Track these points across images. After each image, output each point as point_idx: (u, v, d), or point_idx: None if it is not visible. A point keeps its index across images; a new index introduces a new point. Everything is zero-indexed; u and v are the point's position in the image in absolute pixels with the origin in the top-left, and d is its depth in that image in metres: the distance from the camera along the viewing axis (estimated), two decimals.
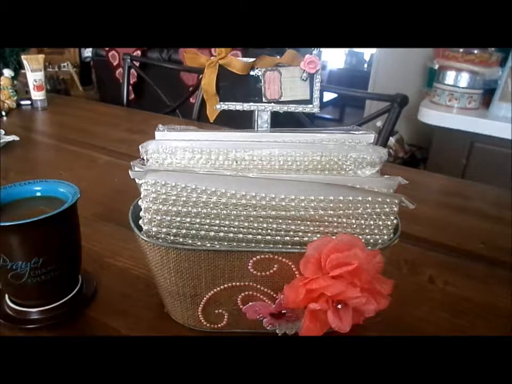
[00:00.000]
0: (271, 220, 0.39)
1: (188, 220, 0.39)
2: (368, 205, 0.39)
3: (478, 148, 1.51)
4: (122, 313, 0.46)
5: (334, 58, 4.40)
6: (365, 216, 0.39)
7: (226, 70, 0.48)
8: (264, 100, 0.49)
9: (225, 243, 0.40)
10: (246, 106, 0.49)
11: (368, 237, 0.40)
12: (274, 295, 0.40)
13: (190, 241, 0.40)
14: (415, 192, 0.81)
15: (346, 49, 4.32)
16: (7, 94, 1.28)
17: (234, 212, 0.39)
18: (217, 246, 0.39)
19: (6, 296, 0.46)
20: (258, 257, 0.38)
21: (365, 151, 0.43)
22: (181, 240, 0.40)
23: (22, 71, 1.37)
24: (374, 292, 0.36)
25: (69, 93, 3.05)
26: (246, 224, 0.39)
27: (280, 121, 0.50)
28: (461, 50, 1.54)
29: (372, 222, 0.40)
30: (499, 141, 1.44)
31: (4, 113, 1.24)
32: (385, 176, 0.41)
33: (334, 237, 0.37)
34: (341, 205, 0.39)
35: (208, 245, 0.40)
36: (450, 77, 1.60)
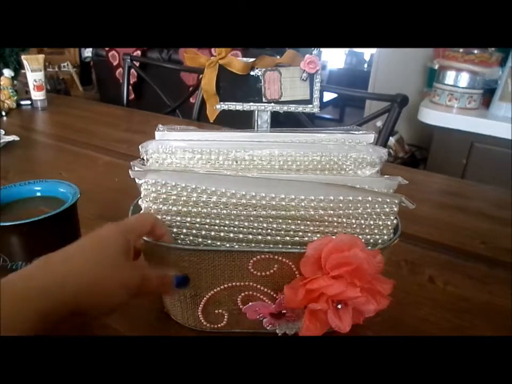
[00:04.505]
0: (271, 220, 0.39)
1: (188, 219, 0.39)
2: (368, 205, 0.39)
3: (478, 148, 1.51)
4: (122, 313, 0.45)
5: (334, 58, 4.41)
6: (365, 216, 0.39)
7: (226, 70, 0.48)
8: (264, 100, 0.49)
9: (226, 243, 0.40)
10: (246, 106, 0.49)
11: (368, 237, 0.40)
12: (274, 295, 0.40)
13: (190, 241, 0.40)
14: (415, 192, 0.81)
15: (346, 49, 4.32)
16: (7, 94, 1.28)
17: (235, 212, 0.39)
18: (218, 245, 0.39)
19: None
20: (258, 257, 0.38)
21: (365, 151, 0.43)
22: (182, 239, 0.40)
23: (22, 71, 1.37)
24: (374, 291, 0.36)
25: (69, 93, 3.05)
26: (246, 224, 0.39)
27: (280, 121, 0.50)
28: (461, 50, 1.54)
29: (371, 222, 0.40)
30: (499, 141, 1.44)
31: (4, 113, 1.24)
32: (385, 176, 0.41)
33: (334, 237, 0.37)
34: (341, 205, 0.39)
35: (209, 242, 0.40)
36: (450, 77, 1.59)
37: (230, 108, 0.50)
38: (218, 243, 0.40)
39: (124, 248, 0.33)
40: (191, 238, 0.40)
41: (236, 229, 0.39)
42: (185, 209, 0.39)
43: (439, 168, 1.55)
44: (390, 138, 1.75)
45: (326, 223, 0.39)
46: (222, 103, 0.49)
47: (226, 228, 0.39)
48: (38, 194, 0.48)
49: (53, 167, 0.90)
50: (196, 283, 0.40)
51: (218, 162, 0.43)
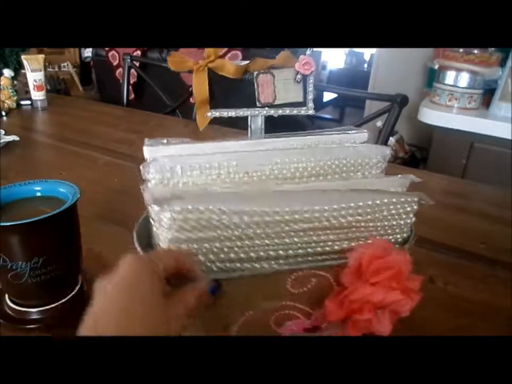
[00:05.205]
0: (301, 234, 0.37)
1: (217, 244, 0.37)
2: (392, 206, 0.39)
3: (478, 148, 1.51)
4: None
5: (334, 58, 4.40)
6: (389, 217, 0.39)
7: (217, 74, 0.46)
8: (258, 104, 0.47)
9: (255, 263, 0.38)
10: (238, 112, 0.47)
11: (390, 237, 0.40)
12: (310, 311, 0.38)
13: (217, 268, 0.38)
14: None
15: (346, 49, 4.32)
16: (7, 94, 1.28)
17: (268, 230, 0.37)
18: (247, 267, 0.38)
19: (6, 296, 0.46)
20: (296, 274, 0.37)
21: (370, 151, 0.43)
22: (207, 267, 0.38)
23: (22, 71, 1.37)
24: (407, 290, 0.36)
25: (69, 93, 3.05)
26: (277, 240, 0.37)
27: (279, 122, 0.49)
28: (461, 50, 1.54)
29: (394, 222, 0.40)
30: (499, 141, 1.44)
31: (4, 113, 1.24)
32: (399, 175, 0.41)
33: (367, 243, 0.36)
34: (368, 210, 0.38)
35: (238, 266, 0.38)
36: (450, 77, 1.59)
37: (222, 115, 0.47)
38: (247, 264, 0.38)
39: (157, 284, 0.30)
40: (217, 264, 0.38)
41: (266, 247, 0.37)
42: (214, 233, 0.36)
43: (439, 168, 1.54)
44: (390, 138, 1.74)
45: (353, 229, 0.39)
46: (213, 110, 0.47)
47: (255, 248, 0.37)
48: (38, 194, 0.48)
49: (53, 167, 0.90)
50: (229, 312, 0.37)
51: (229, 176, 0.41)
